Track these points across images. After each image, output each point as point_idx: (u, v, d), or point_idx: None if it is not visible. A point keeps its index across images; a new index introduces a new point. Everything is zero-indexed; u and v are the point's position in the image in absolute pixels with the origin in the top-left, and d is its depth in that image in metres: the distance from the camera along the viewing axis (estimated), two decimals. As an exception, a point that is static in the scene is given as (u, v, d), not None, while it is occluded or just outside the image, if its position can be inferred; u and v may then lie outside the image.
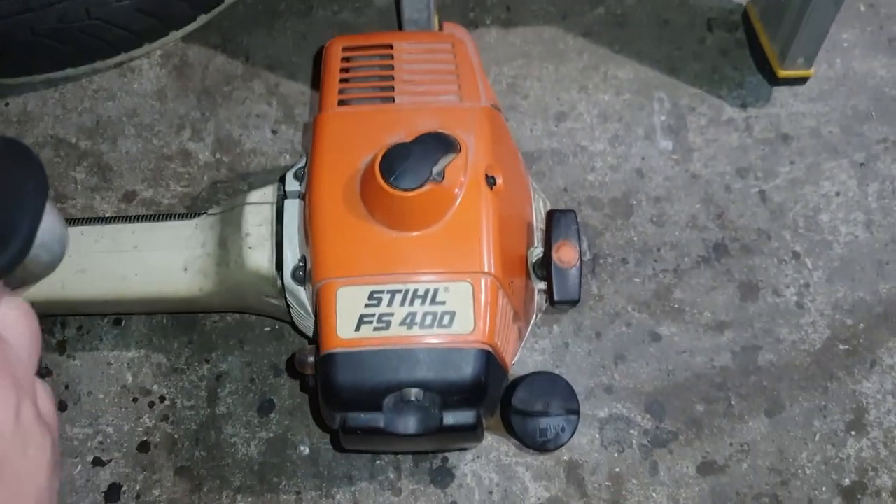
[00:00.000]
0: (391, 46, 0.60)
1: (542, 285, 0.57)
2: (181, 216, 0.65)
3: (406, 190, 0.48)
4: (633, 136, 0.81)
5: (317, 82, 0.75)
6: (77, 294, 0.63)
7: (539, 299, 0.62)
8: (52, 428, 0.32)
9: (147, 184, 0.80)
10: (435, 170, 0.50)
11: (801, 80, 0.78)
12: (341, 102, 0.57)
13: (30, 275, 0.32)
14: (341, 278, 0.50)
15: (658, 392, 0.70)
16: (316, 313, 0.52)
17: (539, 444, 0.51)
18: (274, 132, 0.83)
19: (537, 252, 0.57)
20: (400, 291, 0.50)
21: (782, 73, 0.76)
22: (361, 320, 0.49)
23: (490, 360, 0.49)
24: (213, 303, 0.65)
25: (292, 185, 0.60)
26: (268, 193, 0.62)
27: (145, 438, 0.69)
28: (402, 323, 0.49)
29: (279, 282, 0.59)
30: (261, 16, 0.88)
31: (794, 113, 0.82)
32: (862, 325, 0.72)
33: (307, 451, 0.68)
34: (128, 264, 0.63)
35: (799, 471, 0.67)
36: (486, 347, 0.49)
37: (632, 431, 0.68)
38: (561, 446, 0.51)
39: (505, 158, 0.57)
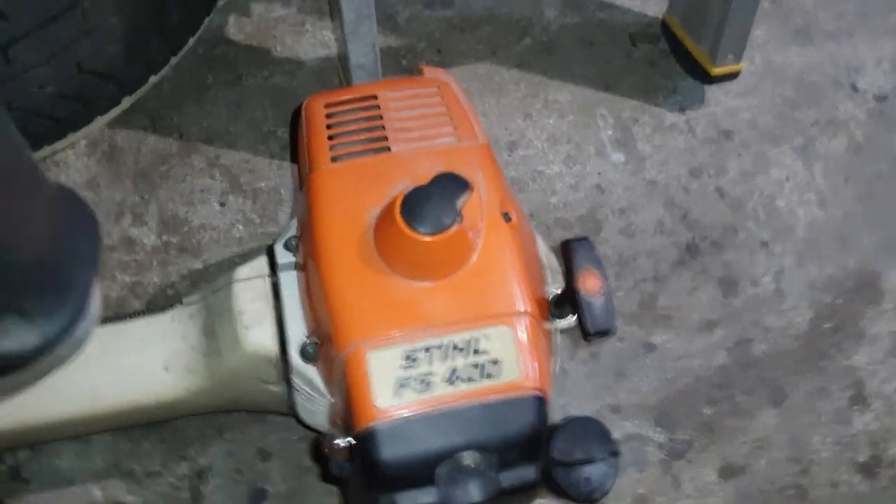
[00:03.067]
0: (375, 97, 0.57)
1: (564, 323, 0.53)
2: (150, 312, 0.59)
3: (434, 234, 0.45)
4: (585, 154, 0.82)
5: (295, 146, 0.72)
6: (40, 417, 0.55)
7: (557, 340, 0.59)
8: None
9: (91, 280, 0.74)
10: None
11: (733, 76, 0.81)
12: (334, 159, 0.54)
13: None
14: (370, 341, 0.46)
15: (664, 403, 0.68)
16: (344, 386, 0.47)
17: (586, 495, 0.46)
18: (222, 204, 0.79)
19: (552, 290, 0.54)
20: (437, 346, 0.46)
21: (715, 71, 0.79)
22: (400, 384, 0.45)
23: (543, 407, 0.46)
24: (198, 403, 0.58)
25: (284, 256, 0.56)
26: (257, 267, 0.57)
27: (129, 560, 0.62)
28: (446, 380, 0.45)
29: (282, 363, 0.54)
30: (188, 91, 0.85)
31: (729, 109, 0.85)
32: (840, 300, 0.74)
33: (313, 537, 0.63)
34: (97, 373, 0.56)
35: (815, 456, 0.66)
36: (539, 393, 0.46)
37: (647, 448, 0.66)
38: (607, 493, 0.47)
39: (510, 194, 0.55)
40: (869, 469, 0.66)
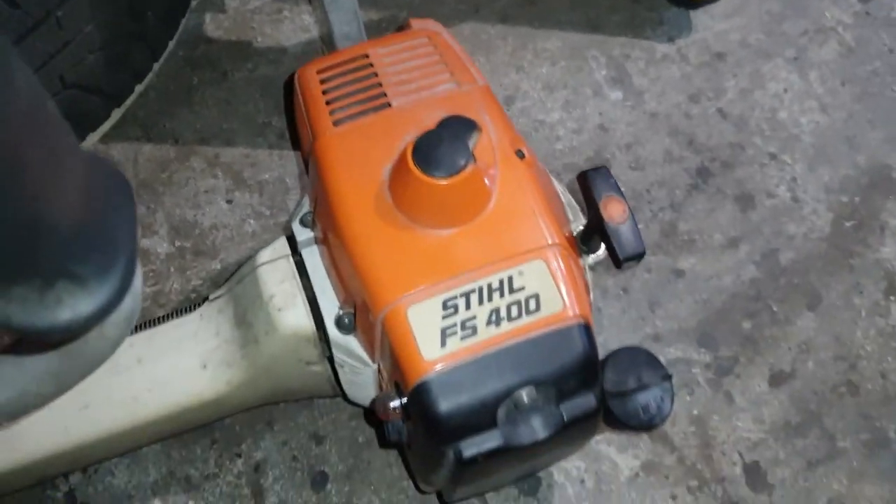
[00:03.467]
0: (367, 55, 0.56)
1: (592, 259, 0.53)
2: (177, 313, 0.58)
3: (450, 176, 0.44)
4: (583, 97, 0.81)
5: (291, 116, 0.71)
6: (86, 435, 0.54)
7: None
8: None
9: (111, 295, 0.73)
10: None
11: (717, -2, 0.81)
12: (336, 123, 0.53)
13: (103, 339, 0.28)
14: (406, 296, 0.45)
15: (703, 324, 0.68)
16: (388, 347, 0.46)
17: (646, 422, 0.46)
18: (229, 202, 0.78)
19: (576, 225, 0.54)
20: (474, 291, 0.45)
21: (699, -4, 0.79)
22: (445, 334, 0.44)
23: (590, 333, 0.45)
24: (243, 397, 0.57)
25: (303, 233, 0.55)
26: (278, 248, 0.55)
27: (199, 562, 0.61)
28: (489, 323, 0.44)
29: (320, 339, 0.53)
30: (175, 95, 0.84)
31: (718, 32, 0.85)
32: (857, 198, 0.74)
33: (380, 509, 0.62)
34: (136, 381, 0.55)
35: (861, 351, 0.66)
36: (583, 320, 0.45)
37: (694, 370, 0.66)
38: (667, 418, 0.46)
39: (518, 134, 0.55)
40: (915, 355, 0.66)
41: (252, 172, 0.79)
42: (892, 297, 0.69)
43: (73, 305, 0.27)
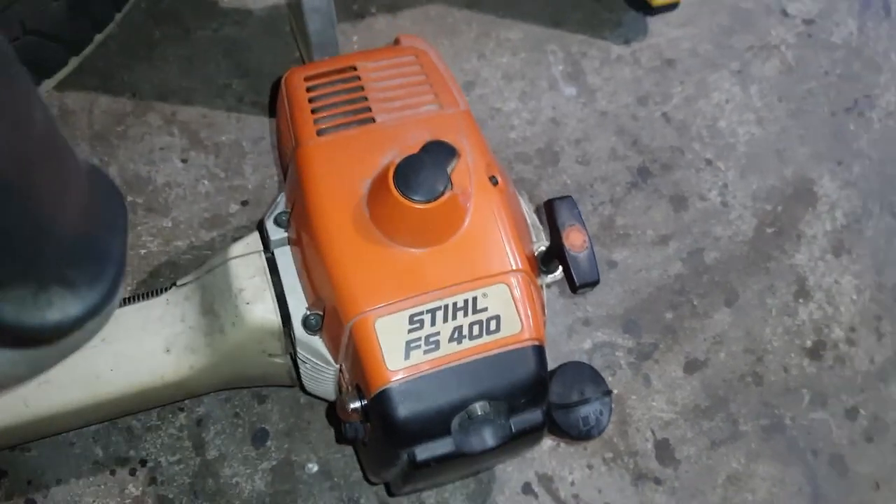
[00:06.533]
0: (355, 68, 0.57)
1: (549, 279, 0.56)
2: (144, 296, 0.58)
3: (428, 201, 0.47)
4: (538, 89, 0.85)
5: (274, 114, 0.71)
6: (46, 409, 0.55)
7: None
8: None
9: (58, 244, 0.73)
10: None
11: (673, 6, 0.86)
12: (320, 133, 0.54)
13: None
14: (376, 308, 0.47)
15: (629, 312, 0.73)
16: (354, 353, 0.48)
17: (584, 434, 0.50)
18: (184, 160, 0.78)
19: (539, 246, 0.56)
20: (439, 308, 0.48)
21: (656, 2, 0.83)
22: (409, 347, 0.47)
23: (543, 354, 0.49)
24: (203, 381, 0.58)
25: (276, 233, 0.56)
26: (251, 243, 0.57)
27: (134, 508, 0.63)
28: (451, 339, 0.47)
29: (285, 335, 0.55)
30: (136, 49, 0.84)
31: (671, 39, 0.89)
32: (780, 207, 0.80)
33: (316, 467, 0.65)
34: (99, 360, 0.55)
35: (767, 346, 0.73)
36: (538, 342, 0.48)
37: (617, 353, 0.71)
38: (604, 430, 0.51)
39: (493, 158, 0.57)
40: (815, 352, 0.73)
41: (209, 133, 0.80)
42: (800, 300, 0.75)
43: (63, 308, 0.28)
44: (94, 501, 0.63)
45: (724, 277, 0.76)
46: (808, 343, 0.73)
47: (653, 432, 0.68)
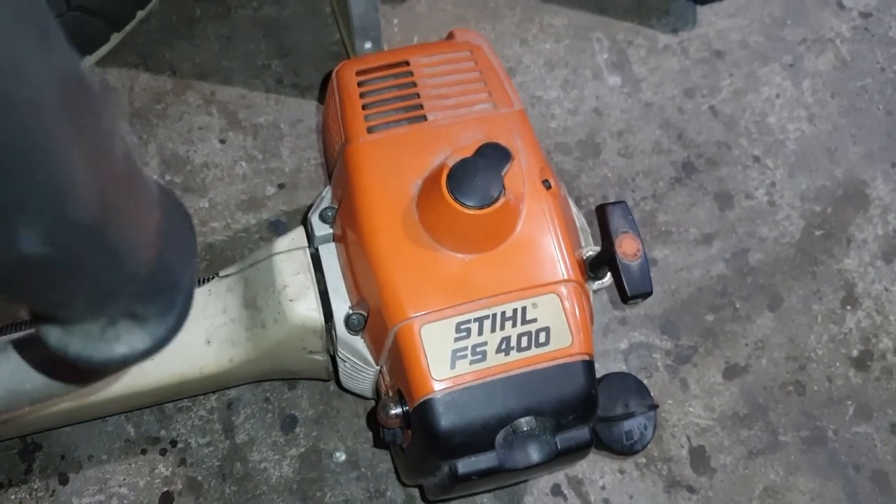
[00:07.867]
0: (407, 63, 0.55)
1: (597, 285, 0.54)
2: None
3: (482, 207, 0.45)
4: (582, 78, 0.82)
5: (322, 100, 0.69)
6: (87, 399, 0.55)
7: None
8: None
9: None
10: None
11: (725, -5, 0.82)
12: (370, 130, 0.52)
13: None
14: (422, 314, 0.46)
15: (668, 312, 0.71)
16: (398, 358, 0.47)
17: (627, 449, 0.48)
18: (222, 141, 0.78)
19: (587, 251, 0.54)
20: (487, 317, 0.46)
21: (709, -9, 0.80)
22: (455, 356, 0.45)
23: (592, 370, 0.47)
24: (241, 374, 0.58)
25: (321, 228, 0.55)
26: (297, 239, 0.56)
27: (166, 489, 0.64)
28: (499, 350, 0.45)
29: (327, 333, 0.54)
30: (177, 26, 0.83)
31: (720, 30, 0.86)
32: (829, 209, 0.77)
33: (343, 456, 0.65)
34: None
35: (812, 353, 0.70)
36: (588, 357, 0.47)
37: (655, 355, 0.70)
38: (647, 445, 0.49)
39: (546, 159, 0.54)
40: (861, 363, 0.70)
41: (247, 114, 0.79)
42: (847, 307, 0.72)
43: (130, 342, 0.28)
44: (124, 479, 0.64)
45: (768, 280, 0.73)
46: (855, 353, 0.71)
47: (688, 439, 0.67)
